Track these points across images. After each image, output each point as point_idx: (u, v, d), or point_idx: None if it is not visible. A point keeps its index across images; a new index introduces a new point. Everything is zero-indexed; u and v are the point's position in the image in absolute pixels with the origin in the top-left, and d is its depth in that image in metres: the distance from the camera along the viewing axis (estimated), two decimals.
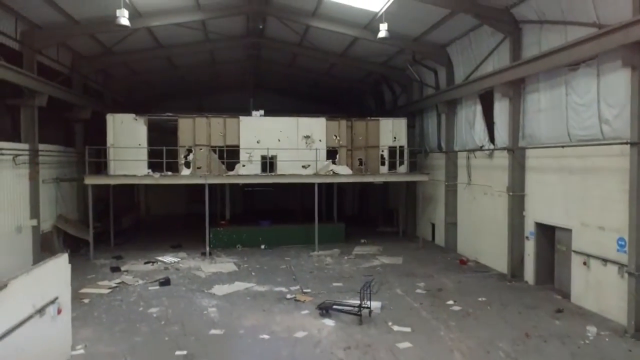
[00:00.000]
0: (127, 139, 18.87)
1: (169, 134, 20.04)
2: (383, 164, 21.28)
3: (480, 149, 17.13)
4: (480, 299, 12.96)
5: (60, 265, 8.91)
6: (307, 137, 20.34)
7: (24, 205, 16.47)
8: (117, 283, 14.85)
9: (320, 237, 20.06)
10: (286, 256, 19.03)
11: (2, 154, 14.76)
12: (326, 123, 20.63)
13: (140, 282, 15.03)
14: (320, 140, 20.49)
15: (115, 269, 16.60)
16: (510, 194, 14.94)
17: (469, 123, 18.09)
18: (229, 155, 19.77)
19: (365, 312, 11.40)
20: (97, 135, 20.54)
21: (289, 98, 32.13)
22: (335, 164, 20.58)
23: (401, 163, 21.43)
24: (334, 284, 14.58)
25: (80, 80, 21.16)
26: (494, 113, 16.39)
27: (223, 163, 19.84)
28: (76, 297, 13.06)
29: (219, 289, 14.06)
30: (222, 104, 28.93)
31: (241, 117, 19.96)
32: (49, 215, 18.62)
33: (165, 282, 14.71)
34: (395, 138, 21.31)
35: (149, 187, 32.71)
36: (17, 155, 15.61)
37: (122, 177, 18.43)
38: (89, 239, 18.73)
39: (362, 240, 22.10)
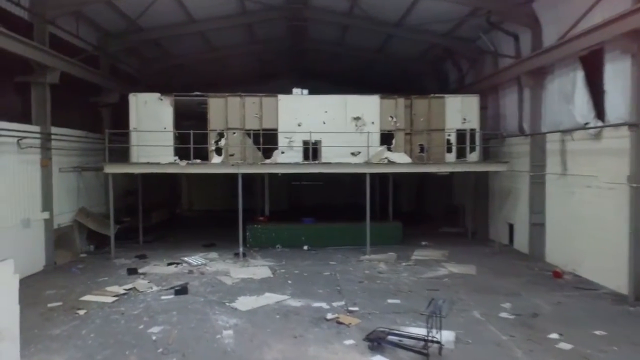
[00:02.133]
0: (152, 122, 16.56)
1: (202, 121, 17.50)
2: (449, 150, 17.63)
3: (584, 127, 13.13)
4: (596, 333, 9.21)
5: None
6: (357, 118, 17.10)
7: (34, 195, 14.50)
8: (127, 289, 12.44)
9: (373, 238, 16.83)
10: (331, 260, 15.97)
11: (2, 135, 12.74)
12: (380, 102, 17.30)
13: (154, 288, 12.53)
14: (372, 123, 17.19)
15: (132, 271, 14.28)
16: (633, 185, 10.96)
17: (565, 96, 14.11)
18: (266, 141, 16.97)
19: (433, 347, 8.10)
20: (127, 122, 18.50)
21: (336, 86, 28.93)
22: (390, 150, 17.22)
23: (472, 150, 17.67)
24: (389, 301, 11.31)
25: (108, 60, 19.22)
26: (603, 79, 12.38)
27: (259, 149, 17.07)
28: (73, 307, 10.81)
29: (244, 302, 11.22)
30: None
31: (280, 96, 17.07)
32: (68, 207, 16.71)
33: (182, 291, 12.10)
34: (464, 119, 17.57)
35: (191, 179, 30.98)
36: (21, 138, 13.61)
37: (144, 166, 16.14)
38: (111, 235, 16.61)
39: (423, 243, 18.61)
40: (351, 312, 10.48)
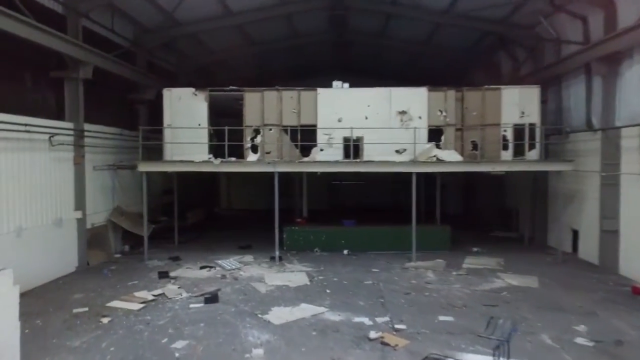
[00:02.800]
0: (186, 118, 15.88)
1: (239, 118, 16.63)
2: (505, 148, 15.94)
3: None
4: None
5: None
6: (403, 113, 15.74)
7: (66, 194, 14.10)
8: (156, 295, 11.71)
9: (419, 243, 15.45)
10: (373, 267, 14.72)
11: (32, 132, 12.32)
12: (428, 95, 15.85)
13: (184, 295, 11.74)
14: (420, 117, 15.78)
15: (163, 275, 13.60)
16: None
17: None
18: (304, 137, 15.91)
19: None
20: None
21: (377, 82, 27.43)
22: (439, 147, 15.75)
23: (531, 147, 15.89)
24: (441, 318, 9.95)
25: (144, 56, 18.76)
26: None
27: (296, 147, 16.04)
28: (98, 314, 10.13)
29: (278, 315, 10.19)
30: None
31: (319, 90, 15.96)
32: (102, 206, 16.31)
33: (212, 299, 11.23)
34: (523, 113, 15.82)
35: (230, 177, 30.52)
36: (53, 135, 13.19)
37: (177, 164, 15.46)
38: (144, 235, 16.07)
39: (474, 249, 17.00)
40: (397, 330, 9.23)
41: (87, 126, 14.84)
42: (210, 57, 23.10)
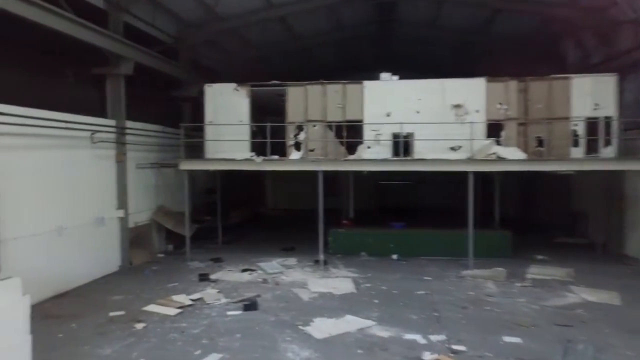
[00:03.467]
0: (228, 115, 15.34)
1: (282, 116, 15.88)
2: (576, 144, 14.24)
3: None
4: None
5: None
6: (458, 106, 14.43)
7: (108, 192, 13.91)
8: (194, 299, 11.15)
9: (476, 249, 14.10)
10: (425, 274, 13.53)
11: (73, 129, 12.11)
12: (486, 86, 14.44)
13: (223, 300, 11.11)
14: (477, 111, 14.41)
15: (204, 277, 13.09)
16: None
17: None
18: (350, 134, 14.94)
19: None
20: None
21: (426, 76, 25.98)
22: (499, 144, 14.30)
23: (607, 143, 14.10)
24: (506, 339, 8.68)
25: (187, 53, 18.45)
26: None
27: (342, 144, 15.10)
28: (133, 319, 9.65)
29: (320, 327, 9.30)
30: None
31: (365, 83, 14.93)
32: (145, 205, 16.11)
33: (251, 306, 10.51)
34: (597, 105, 14.07)
35: (275, 176, 30.05)
36: (95, 132, 12.98)
37: (218, 162, 14.95)
38: (186, 235, 15.70)
39: (538, 257, 15.38)
40: (455, 352, 8.08)
41: (129, 123, 14.61)
42: (252, 52, 22.57)
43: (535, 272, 13.56)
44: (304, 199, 27.69)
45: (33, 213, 10.90)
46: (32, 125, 10.65)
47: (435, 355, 7.92)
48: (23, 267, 10.39)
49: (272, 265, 14.47)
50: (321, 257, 14.57)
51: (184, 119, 18.26)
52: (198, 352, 8.16)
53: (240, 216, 22.63)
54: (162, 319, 9.86)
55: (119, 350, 8.26)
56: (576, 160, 13.88)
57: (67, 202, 12.11)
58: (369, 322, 9.57)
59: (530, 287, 12.12)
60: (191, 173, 19.26)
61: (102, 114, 13.82)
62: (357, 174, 17.71)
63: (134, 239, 15.17)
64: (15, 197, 10.30)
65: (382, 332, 9.05)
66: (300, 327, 9.32)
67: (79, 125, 12.32)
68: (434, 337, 8.75)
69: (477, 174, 14.95)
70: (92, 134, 12.92)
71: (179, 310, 10.35)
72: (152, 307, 10.58)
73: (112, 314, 10.14)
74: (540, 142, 14.32)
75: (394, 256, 15.66)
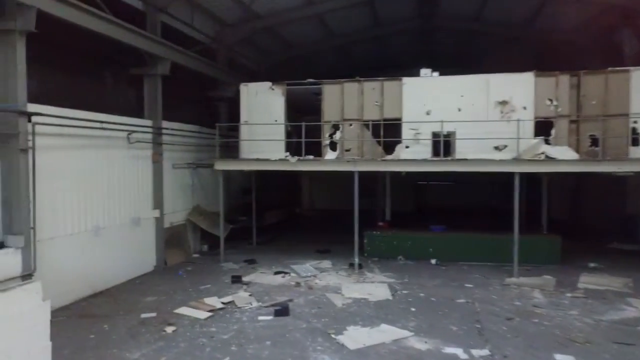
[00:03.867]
0: (263, 114, 15.13)
1: (317, 115, 15.50)
2: (635, 143, 13.07)
3: None
4: None
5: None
6: (504, 103, 13.57)
7: (144, 193, 13.98)
8: (226, 303, 10.95)
9: (521, 255, 13.21)
10: (466, 281, 12.81)
11: (110, 129, 12.20)
12: (535, 81, 13.50)
13: (254, 304, 10.85)
14: (524, 108, 13.50)
15: (236, 279, 12.90)
16: None
17: None
18: (388, 133, 14.36)
19: None
20: None
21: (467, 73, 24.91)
22: (549, 143, 13.34)
23: None
24: (558, 357, 7.92)
25: (225, 53, 18.41)
26: None
27: (379, 144, 14.55)
28: (164, 321, 9.56)
29: (353, 336, 8.85)
30: None
31: (404, 80, 14.30)
32: (181, 205, 16.16)
33: (282, 311, 10.19)
34: None
35: (312, 177, 29.82)
36: (131, 132, 13.05)
37: (253, 162, 14.74)
38: (220, 236, 15.61)
39: (591, 264, 14.30)
40: None
41: (165, 124, 14.66)
42: (290, 51, 22.34)
43: (587, 281, 12.56)
44: (340, 200, 27.37)
45: (70, 213, 11.02)
46: (69, 126, 10.76)
47: None
48: (59, 266, 10.54)
49: (305, 269, 14.14)
50: (356, 260, 14.10)
51: (219, 119, 18.21)
52: (226, 359, 7.89)
53: (276, 217, 22.45)
54: (193, 322, 9.70)
55: (147, 354, 8.12)
56: (636, 161, 12.72)
57: (104, 202, 12.22)
58: (405, 333, 9.03)
59: (582, 299, 11.18)
60: (227, 173, 19.33)
61: (139, 114, 13.92)
62: (395, 175, 17.14)
63: (169, 238, 15.23)
64: (52, 197, 10.42)
65: (420, 345, 8.49)
66: (333, 336, 8.90)
67: (115, 125, 12.40)
68: (476, 352, 8.12)
69: (523, 175, 14.05)
70: (129, 134, 13.00)
71: (209, 314, 10.17)
72: (183, 310, 10.46)
73: (143, 315, 10.08)
74: (594, 141, 13.24)
75: (433, 261, 14.98)
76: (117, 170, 12.74)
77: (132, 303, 10.99)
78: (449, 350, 8.23)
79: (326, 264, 14.85)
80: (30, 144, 9.56)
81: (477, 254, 14.84)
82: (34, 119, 9.67)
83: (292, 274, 13.62)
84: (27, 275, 9.47)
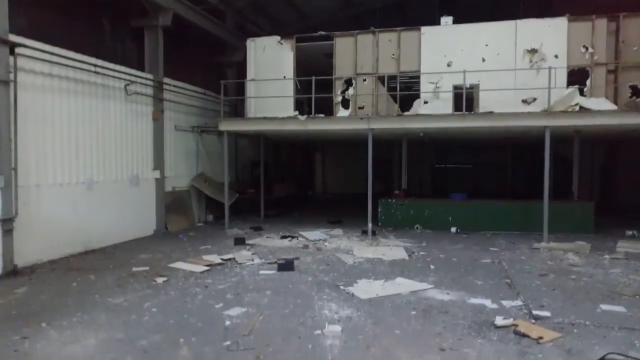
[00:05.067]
0: (271, 71, 14.18)
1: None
2: None
3: None
4: None
5: None
6: (533, 51, 12.36)
7: (144, 151, 13.14)
8: (225, 259, 10.02)
9: (550, 224, 12.00)
10: (491, 246, 11.65)
11: (104, 74, 11.36)
12: (568, 26, 12.25)
13: (256, 261, 9.89)
14: (556, 57, 12.28)
15: (240, 241, 11.96)
16: None
17: None
18: (405, 88, 13.26)
19: None
20: None
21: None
22: (583, 95, 12.09)
23: None
24: (604, 307, 6.76)
25: (234, 17, 17.53)
26: None
27: (395, 101, 13.47)
28: (156, 274, 8.64)
29: (364, 288, 7.81)
30: None
31: (423, 29, 13.17)
32: (185, 171, 15.31)
33: (286, 266, 9.18)
34: None
35: (326, 159, 28.89)
36: (129, 83, 12.21)
37: (259, 121, 13.78)
38: (225, 203, 14.69)
39: (628, 232, 12.99)
40: (538, 318, 6.31)
41: (168, 81, 13.82)
42: (304, 22, 21.30)
43: (627, 246, 11.29)
44: (354, 183, 26.37)
45: (60, 162, 10.20)
46: (59, 64, 9.96)
47: (511, 320, 6.20)
48: (47, 217, 9.74)
49: (315, 234, 13.15)
50: (369, 226, 13.04)
51: (228, 85, 17.34)
52: (219, 305, 6.93)
53: (286, 190, 21.47)
54: (188, 275, 8.78)
55: (132, 299, 7.21)
56: None
57: (99, 155, 11.40)
58: (424, 285, 7.96)
59: (624, 260, 9.95)
60: (235, 143, 18.49)
61: (139, 68, 13.08)
62: (412, 155, 15.99)
63: (172, 204, 14.38)
64: (40, 142, 9.62)
65: (441, 296, 7.41)
66: (342, 287, 7.88)
67: (111, 72, 11.57)
68: (506, 303, 7.00)
69: (554, 137, 12.78)
70: (127, 85, 12.17)
71: (206, 268, 9.24)
72: (178, 264, 9.56)
73: (135, 269, 9.21)
74: (635, 92, 11.95)
75: (453, 229, 13.85)
76: (114, 123, 11.92)
77: (125, 259, 10.13)
78: (475, 301, 7.13)
79: (337, 231, 13.84)
80: (12, 76, 8.75)
81: (501, 223, 13.66)
82: (18, 50, 8.88)
83: (300, 238, 12.64)
84: (7, 220, 8.69)
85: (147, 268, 9.26)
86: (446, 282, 8.20)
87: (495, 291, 7.66)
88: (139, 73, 12.75)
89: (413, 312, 6.63)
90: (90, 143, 11.10)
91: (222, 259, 9.97)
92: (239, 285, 8.03)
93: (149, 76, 13.13)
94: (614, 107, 11.73)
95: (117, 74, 11.75)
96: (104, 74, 11.30)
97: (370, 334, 5.82)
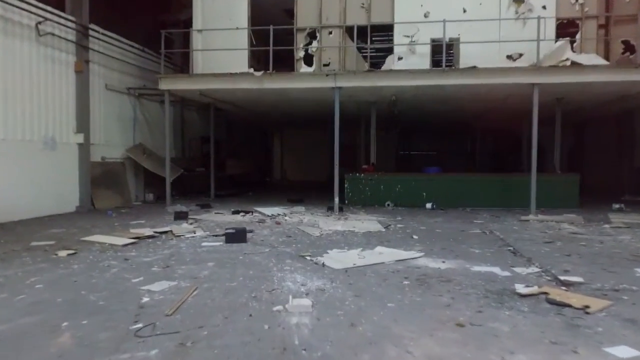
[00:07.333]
0: (222, 21, 12.16)
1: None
2: None
3: None
4: None
5: None
6: (519, 1, 11.03)
7: (63, 109, 10.81)
8: (160, 232, 7.99)
9: (530, 198, 10.70)
10: (475, 219, 10.21)
11: (6, 2, 9.01)
12: None
13: (200, 234, 7.93)
14: (543, 8, 11.00)
15: (181, 216, 9.90)
16: None
17: None
18: (376, 43, 11.62)
19: None
20: None
21: None
22: (573, 50, 10.87)
23: None
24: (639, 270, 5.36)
25: None
26: None
27: (365, 57, 11.82)
28: (62, 248, 6.50)
29: (337, 258, 6.06)
30: None
31: None
32: (119, 140, 13.03)
33: (236, 236, 7.24)
34: None
35: (284, 146, 27.03)
36: (42, 21, 9.88)
37: (207, 78, 11.71)
38: (167, 178, 12.54)
39: (616, 205, 11.97)
40: (570, 284, 4.77)
41: (96, 27, 11.55)
42: None
43: (620, 217, 10.16)
44: (313, 171, 24.74)
45: None
46: None
47: (536, 287, 4.62)
48: None
49: (273, 210, 11.28)
50: (336, 201, 11.31)
51: (174, 46, 15.15)
52: (138, 279, 4.96)
53: (240, 168, 19.43)
54: (105, 249, 6.70)
55: (11, 275, 5.11)
56: None
57: (1, 106, 9.03)
58: (412, 254, 6.30)
59: (626, 228, 8.75)
60: (180, 112, 16.31)
61: (60, 9, 10.73)
62: (380, 114, 14.43)
63: (101, 177, 12.09)
64: None
65: (435, 264, 5.78)
66: (310, 258, 6.08)
67: (16, 1, 9.21)
68: (520, 270, 5.45)
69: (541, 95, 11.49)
70: (38, 23, 9.82)
71: (132, 241, 7.19)
72: (96, 237, 7.44)
73: (35, 243, 7.02)
74: (628, 47, 10.86)
75: (428, 205, 12.38)
76: (22, 69, 9.57)
77: (29, 233, 7.91)
78: (480, 268, 5.54)
79: (299, 209, 12.02)
80: None
81: (481, 197, 12.33)
82: None
83: (256, 214, 10.75)
84: None
85: (52, 242, 7.09)
86: (437, 251, 6.59)
87: (500, 259, 6.11)
88: (57, 11, 10.41)
89: (406, 282, 4.93)
90: None
91: (155, 232, 7.94)
92: (172, 258, 6.07)
93: (71, 17, 10.81)
94: (604, 62, 10.56)
95: (24, 5, 9.39)
96: (5, 1, 8.93)
97: (354, 308, 4.06)
